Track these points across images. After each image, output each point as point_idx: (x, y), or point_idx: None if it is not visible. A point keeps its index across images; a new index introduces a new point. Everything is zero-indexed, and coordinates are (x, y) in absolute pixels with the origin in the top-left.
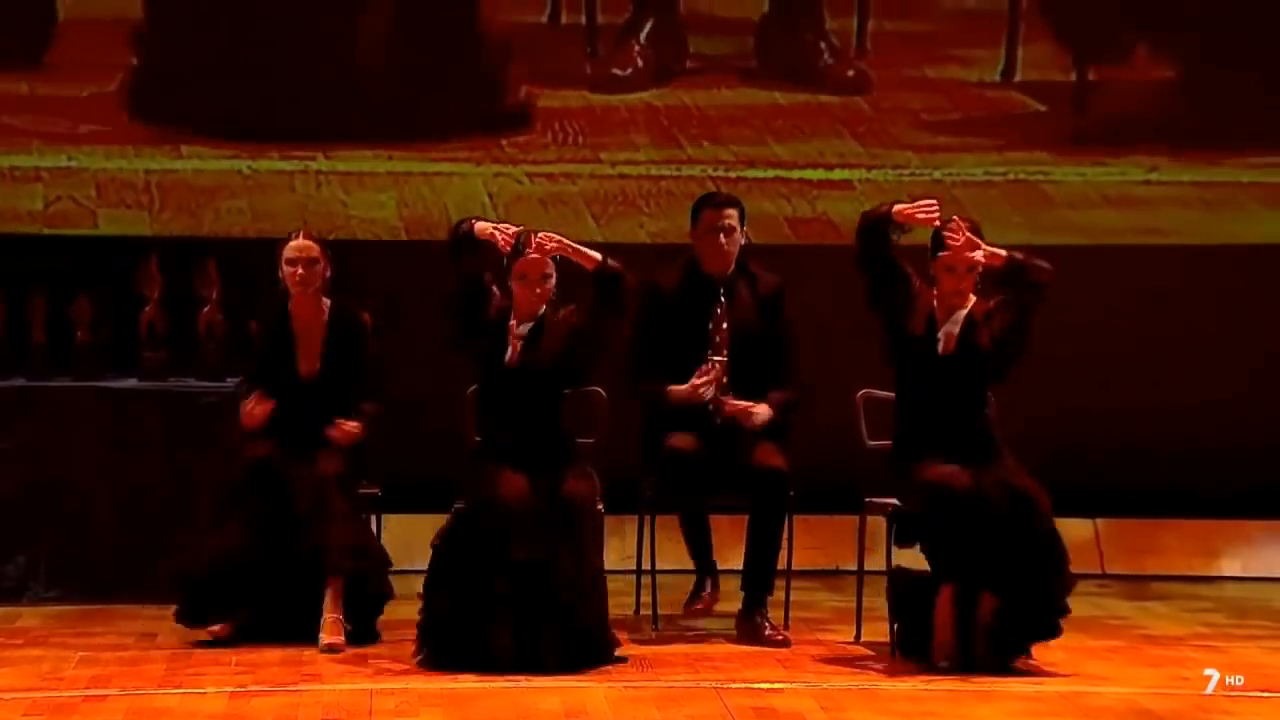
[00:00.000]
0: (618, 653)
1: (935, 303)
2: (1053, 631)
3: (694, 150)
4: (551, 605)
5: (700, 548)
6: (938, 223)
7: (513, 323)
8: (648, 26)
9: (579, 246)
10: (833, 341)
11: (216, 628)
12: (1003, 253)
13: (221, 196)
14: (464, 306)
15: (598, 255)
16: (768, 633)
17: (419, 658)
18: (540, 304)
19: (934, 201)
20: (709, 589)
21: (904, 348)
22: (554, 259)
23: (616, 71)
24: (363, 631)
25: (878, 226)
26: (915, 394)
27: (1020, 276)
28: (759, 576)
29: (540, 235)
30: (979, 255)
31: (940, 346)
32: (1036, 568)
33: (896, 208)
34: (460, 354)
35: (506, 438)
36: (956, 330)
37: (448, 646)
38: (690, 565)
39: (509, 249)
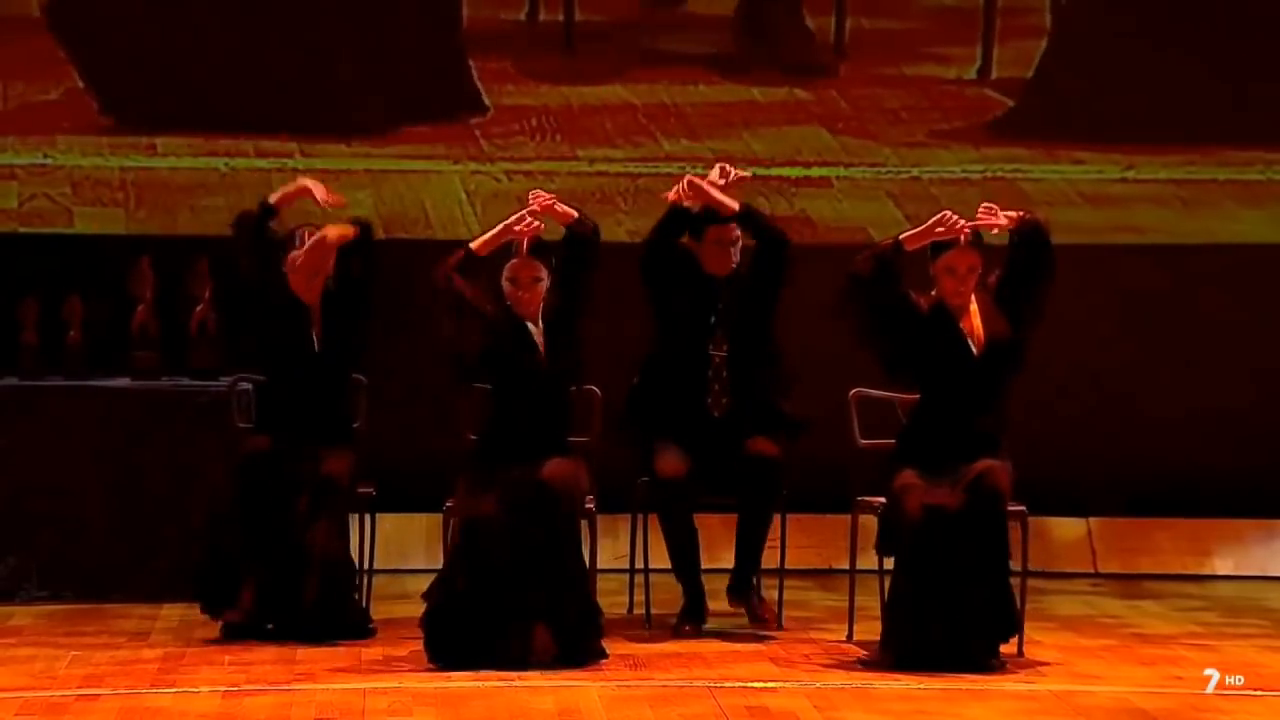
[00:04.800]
0: (603, 646)
1: (941, 305)
2: (1010, 631)
3: (671, 147)
4: (540, 601)
5: (688, 571)
6: (965, 231)
7: (531, 325)
8: None
9: (563, 206)
10: (824, 341)
11: (234, 616)
12: (1015, 214)
13: (198, 195)
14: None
15: (575, 212)
16: (757, 607)
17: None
18: (535, 304)
19: (945, 213)
20: (696, 615)
21: (929, 359)
22: (546, 262)
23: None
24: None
25: (889, 264)
26: (940, 396)
27: (1035, 235)
28: (749, 553)
29: (531, 195)
30: (1004, 220)
31: (975, 350)
32: (984, 576)
33: (904, 236)
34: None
35: (518, 438)
36: (980, 331)
37: (449, 646)
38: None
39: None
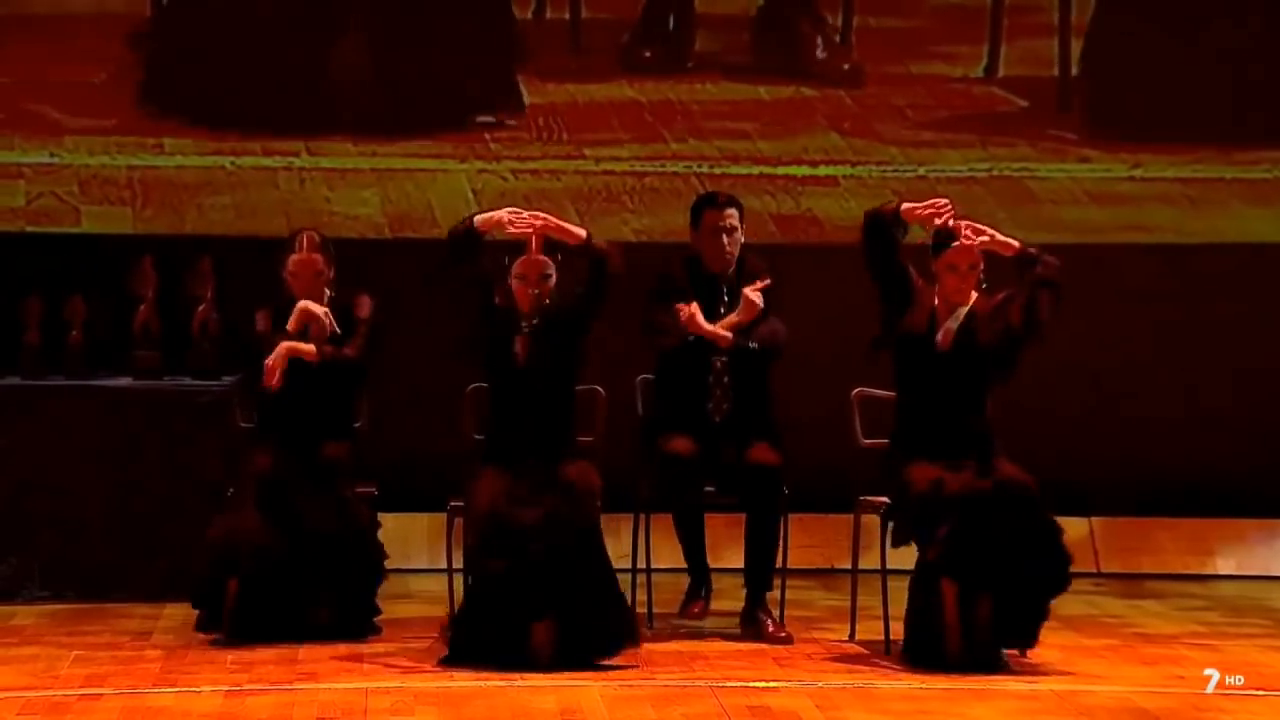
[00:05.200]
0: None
1: (936, 300)
2: (1036, 626)
3: (678, 146)
4: (559, 602)
5: (695, 551)
6: (949, 222)
7: (521, 323)
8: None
9: (563, 223)
10: (827, 341)
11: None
12: (1014, 243)
13: (205, 193)
14: (479, 322)
15: (582, 232)
16: (770, 629)
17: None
18: (541, 302)
19: (945, 201)
20: (703, 594)
21: (904, 345)
22: (553, 258)
23: (645, 54)
24: (357, 625)
25: (883, 224)
26: (914, 391)
27: (1029, 269)
28: (759, 574)
29: (528, 214)
30: (986, 239)
31: (939, 341)
32: (1036, 562)
33: (904, 206)
34: (464, 362)
35: (516, 438)
36: (956, 326)
37: (476, 647)
38: (685, 565)
39: (515, 230)
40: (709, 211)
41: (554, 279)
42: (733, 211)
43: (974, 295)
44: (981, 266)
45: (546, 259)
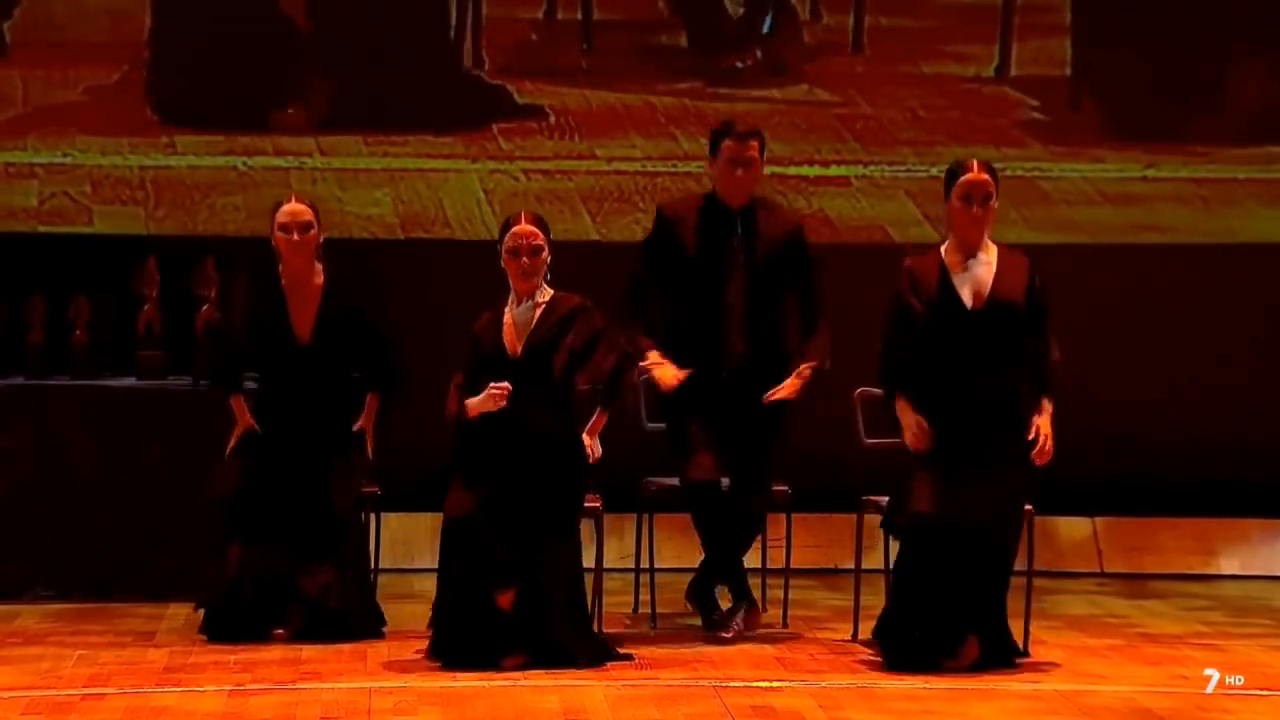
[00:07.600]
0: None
1: (944, 253)
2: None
3: (690, 146)
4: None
5: (726, 556)
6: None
7: (507, 313)
8: (767, 20)
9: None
10: (835, 340)
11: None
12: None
13: (216, 193)
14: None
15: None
16: (714, 613)
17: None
18: (534, 279)
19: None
20: (743, 613)
21: (922, 318)
22: (544, 232)
23: (738, 64)
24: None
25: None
26: (941, 354)
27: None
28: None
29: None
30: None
31: (969, 302)
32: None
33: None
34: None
35: (508, 432)
36: (984, 278)
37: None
38: (691, 564)
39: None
40: (728, 142)
41: (546, 250)
42: (754, 144)
43: (992, 246)
44: (995, 197)
45: (538, 230)
